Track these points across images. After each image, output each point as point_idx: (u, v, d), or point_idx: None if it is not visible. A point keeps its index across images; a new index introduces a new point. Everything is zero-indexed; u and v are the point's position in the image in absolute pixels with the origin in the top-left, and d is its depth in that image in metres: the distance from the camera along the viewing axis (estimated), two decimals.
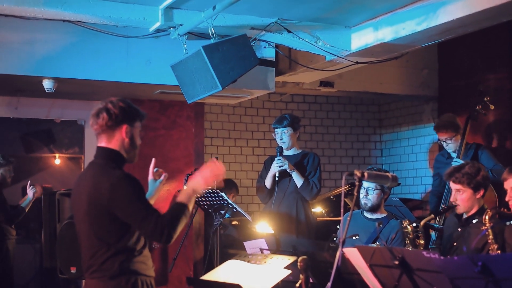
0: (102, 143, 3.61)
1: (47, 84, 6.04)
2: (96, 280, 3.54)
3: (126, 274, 3.50)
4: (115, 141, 3.58)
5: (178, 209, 3.53)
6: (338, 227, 6.64)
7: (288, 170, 6.06)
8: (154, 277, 3.69)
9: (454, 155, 6.52)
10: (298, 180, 6.08)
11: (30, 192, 6.91)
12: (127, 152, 3.61)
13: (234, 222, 7.00)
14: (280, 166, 6.04)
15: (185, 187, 6.10)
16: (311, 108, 8.87)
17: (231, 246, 6.78)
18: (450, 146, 6.46)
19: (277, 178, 6.08)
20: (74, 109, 7.05)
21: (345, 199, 6.85)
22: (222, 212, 5.90)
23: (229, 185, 7.29)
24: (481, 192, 4.71)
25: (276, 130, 6.21)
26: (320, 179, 6.14)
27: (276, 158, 6.08)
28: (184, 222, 3.53)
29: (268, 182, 6.16)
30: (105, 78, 6.01)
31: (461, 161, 6.19)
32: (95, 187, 3.49)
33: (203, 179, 3.63)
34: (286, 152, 6.25)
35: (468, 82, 7.32)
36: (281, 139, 6.18)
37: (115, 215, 3.46)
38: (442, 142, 6.51)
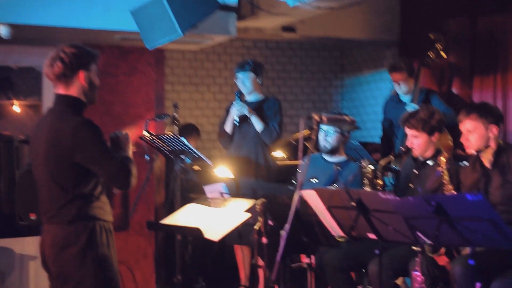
0: (60, 91, 3.61)
1: (2, 31, 5.89)
2: (54, 225, 3.58)
3: (84, 219, 3.54)
4: (74, 87, 3.58)
5: (128, 159, 3.63)
6: (298, 170, 6.69)
7: (246, 114, 6.07)
8: (114, 222, 3.72)
9: (404, 99, 6.62)
10: (257, 125, 6.10)
11: None
12: (87, 95, 3.63)
13: (195, 167, 7.01)
14: (238, 110, 6.05)
15: (144, 132, 6.11)
16: (273, 54, 8.84)
17: (192, 191, 6.81)
18: (403, 88, 6.55)
19: (236, 123, 6.10)
20: (32, 55, 6.91)
21: (305, 143, 6.89)
22: (183, 157, 5.91)
23: (189, 129, 7.23)
24: (436, 135, 4.80)
25: (237, 74, 6.21)
26: (280, 123, 6.16)
27: (234, 103, 6.09)
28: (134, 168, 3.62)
29: (228, 127, 6.19)
30: (63, 24, 5.87)
31: (415, 105, 6.30)
32: (56, 132, 3.50)
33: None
34: (247, 98, 6.26)
35: (429, 27, 7.32)
36: (243, 84, 6.18)
37: (74, 161, 3.48)
38: (394, 84, 6.61)
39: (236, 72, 6.23)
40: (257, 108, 6.18)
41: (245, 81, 6.17)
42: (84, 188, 3.53)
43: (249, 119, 6.10)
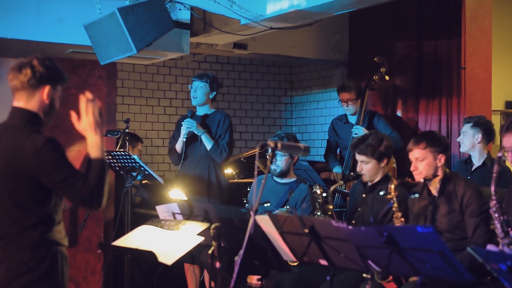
0: (20, 103, 3.36)
1: None
2: (10, 251, 3.35)
3: (47, 244, 3.34)
4: (35, 101, 3.35)
5: (99, 168, 3.31)
6: (248, 189, 6.75)
7: (196, 132, 6.10)
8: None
9: (351, 119, 6.78)
10: (207, 143, 6.13)
11: None
12: (45, 114, 3.40)
13: (144, 181, 6.99)
14: (188, 128, 6.07)
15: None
16: (224, 69, 8.90)
17: (141, 207, 6.80)
18: (351, 108, 6.73)
19: (184, 140, 6.10)
20: None
21: (256, 162, 6.95)
22: (134, 174, 5.90)
23: (132, 140, 7.04)
24: (385, 161, 4.95)
25: (193, 83, 6.22)
26: (230, 143, 6.19)
27: (185, 120, 6.11)
28: (107, 179, 3.35)
29: (179, 146, 6.19)
30: (14, 36, 5.82)
31: (361, 128, 6.48)
32: (15, 151, 3.28)
33: (93, 127, 3.38)
34: (198, 110, 6.27)
35: (378, 48, 7.50)
36: (194, 92, 6.19)
37: (37, 181, 3.27)
38: (342, 104, 6.77)
39: (192, 79, 6.24)
40: (207, 121, 6.21)
41: (198, 90, 6.18)
42: (47, 210, 3.32)
43: (199, 137, 6.12)
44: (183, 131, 6.08)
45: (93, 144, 3.37)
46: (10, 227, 3.34)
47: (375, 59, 6.92)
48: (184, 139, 6.08)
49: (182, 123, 6.11)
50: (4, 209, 3.34)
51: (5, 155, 3.30)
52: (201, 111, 6.29)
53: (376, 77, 6.86)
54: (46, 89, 3.37)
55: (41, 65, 3.34)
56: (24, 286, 3.34)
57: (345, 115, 6.91)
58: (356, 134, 6.37)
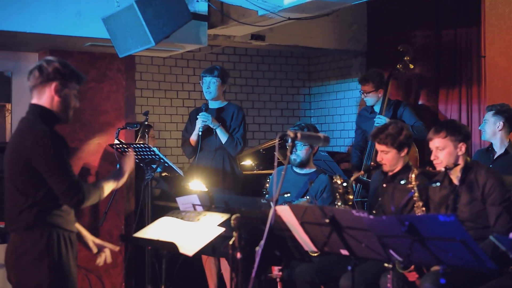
0: (34, 100, 3.66)
1: None
2: (13, 233, 3.62)
3: (41, 225, 3.55)
4: (45, 98, 3.62)
5: (99, 187, 3.71)
6: (268, 180, 6.75)
7: (211, 126, 6.10)
8: (77, 233, 3.77)
9: (377, 109, 6.75)
10: (222, 136, 6.12)
11: None
12: (58, 111, 3.64)
13: (164, 174, 7.01)
14: (203, 122, 6.07)
15: (115, 141, 6.11)
16: (241, 60, 8.89)
17: (161, 199, 6.82)
18: (368, 99, 6.72)
19: (200, 133, 6.10)
20: (1, 59, 6.85)
21: (275, 153, 6.94)
22: (154, 166, 5.92)
23: (144, 131, 7.01)
24: (405, 151, 4.90)
25: (204, 78, 6.20)
26: (244, 136, 6.18)
27: (200, 114, 6.10)
28: (96, 200, 3.70)
29: (194, 140, 6.18)
30: (32, 30, 5.84)
31: (384, 117, 6.43)
32: (20, 140, 3.56)
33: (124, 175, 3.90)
34: (211, 104, 6.26)
35: (396, 38, 7.46)
36: (208, 88, 6.18)
37: (33, 167, 3.51)
38: (362, 95, 6.77)
39: (202, 75, 6.23)
40: (221, 115, 6.20)
41: (210, 85, 6.17)
42: (44, 194, 3.54)
43: (214, 130, 6.12)
44: (199, 124, 6.08)
45: (111, 182, 3.85)
46: (12, 209, 3.61)
47: (399, 47, 6.87)
48: (200, 133, 6.08)
49: (198, 116, 6.11)
50: (10, 194, 3.64)
51: (14, 144, 3.63)
52: (214, 105, 6.27)
53: (400, 65, 6.82)
54: (53, 85, 3.62)
55: (49, 65, 3.63)
56: (25, 266, 3.57)
57: (371, 106, 6.88)
58: (378, 123, 6.33)
